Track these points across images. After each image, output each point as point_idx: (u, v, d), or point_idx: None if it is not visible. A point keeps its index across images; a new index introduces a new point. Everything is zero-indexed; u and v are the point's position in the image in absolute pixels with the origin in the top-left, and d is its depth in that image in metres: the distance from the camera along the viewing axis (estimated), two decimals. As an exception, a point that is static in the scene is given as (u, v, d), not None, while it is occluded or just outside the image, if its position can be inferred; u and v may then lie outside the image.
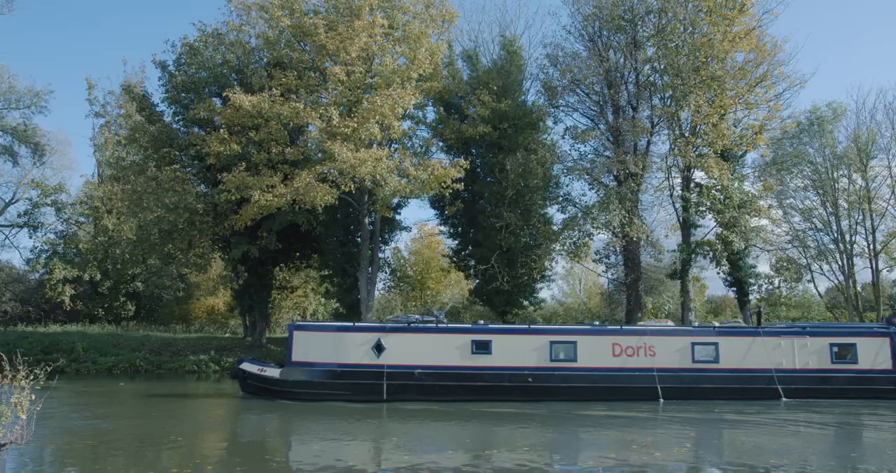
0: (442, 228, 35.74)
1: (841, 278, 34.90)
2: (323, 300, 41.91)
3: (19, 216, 43.96)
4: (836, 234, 34.18)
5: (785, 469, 10.22)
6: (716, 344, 18.68)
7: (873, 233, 33.90)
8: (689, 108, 27.58)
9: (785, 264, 34.78)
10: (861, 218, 34.00)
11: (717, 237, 29.23)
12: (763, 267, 45.24)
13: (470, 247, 33.14)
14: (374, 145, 26.64)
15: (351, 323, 20.41)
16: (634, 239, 29.39)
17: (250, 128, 26.77)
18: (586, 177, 30.32)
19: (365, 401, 17.61)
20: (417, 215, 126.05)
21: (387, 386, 17.95)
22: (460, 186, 27.04)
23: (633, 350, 18.52)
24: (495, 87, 30.14)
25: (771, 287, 36.79)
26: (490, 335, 18.73)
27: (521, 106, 31.64)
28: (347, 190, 25.73)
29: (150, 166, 31.38)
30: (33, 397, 9.96)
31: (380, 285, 37.50)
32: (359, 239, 30.56)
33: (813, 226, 35.20)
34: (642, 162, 28.76)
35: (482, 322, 21.51)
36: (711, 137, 27.27)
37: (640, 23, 29.53)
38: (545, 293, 41.97)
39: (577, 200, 31.54)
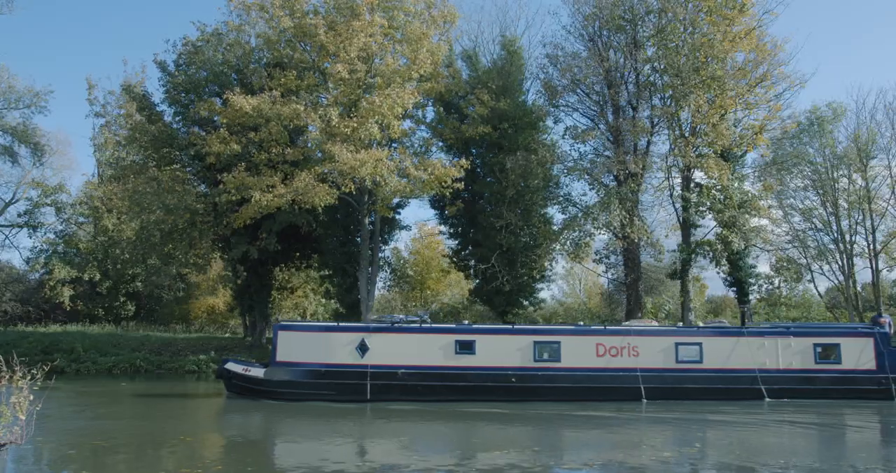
0: (442, 228, 35.78)
1: (841, 278, 34.89)
2: (323, 300, 41.92)
3: (19, 216, 43.98)
4: (836, 234, 34.16)
5: (767, 468, 10.22)
6: (699, 344, 18.64)
7: (873, 233, 33.88)
8: (689, 108, 27.57)
9: (785, 264, 34.75)
10: (861, 218, 33.98)
11: (717, 237, 29.21)
12: (763, 267, 45.22)
13: (470, 247, 33.14)
14: (374, 145, 26.65)
15: (335, 323, 20.39)
16: (635, 239, 29.39)
17: (250, 128, 26.78)
18: (586, 177, 30.31)
19: (348, 401, 17.62)
20: (417, 215, 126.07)
21: (370, 386, 17.95)
22: (460, 186, 27.04)
23: (617, 350, 18.50)
24: (494, 87, 30.14)
25: (771, 287, 36.77)
26: (474, 335, 18.74)
27: (521, 106, 31.64)
28: (348, 190, 25.75)
29: (150, 166, 31.41)
30: (31, 397, 9.96)
31: (380, 284, 37.52)
32: (359, 239, 30.56)
33: (813, 226, 35.18)
34: (642, 162, 28.75)
35: (466, 322, 21.49)
36: (711, 137, 27.25)
37: (640, 23, 29.52)
38: (545, 293, 41.98)
39: (578, 200, 31.57)
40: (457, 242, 34.56)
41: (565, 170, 31.48)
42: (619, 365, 18.33)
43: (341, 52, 25.72)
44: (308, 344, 18.78)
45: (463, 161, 27.63)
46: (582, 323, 23.08)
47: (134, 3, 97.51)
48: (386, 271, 37.84)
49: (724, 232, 28.64)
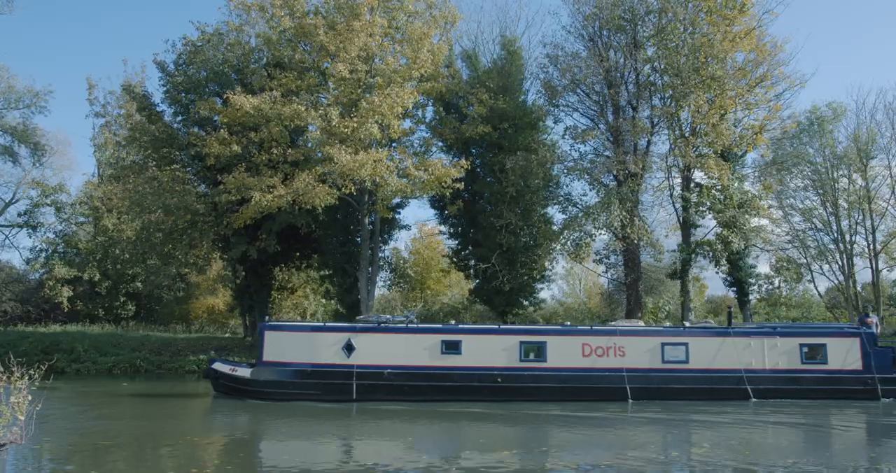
0: (442, 228, 35.79)
1: (841, 278, 34.88)
2: (323, 300, 41.93)
3: (19, 216, 44.01)
4: (836, 234, 34.16)
5: (751, 468, 10.23)
6: (685, 344, 18.58)
7: (873, 233, 33.89)
8: (689, 108, 27.57)
9: (785, 264, 34.76)
10: (861, 218, 33.99)
11: (717, 237, 29.21)
12: (763, 268, 45.27)
13: (470, 247, 33.14)
14: (374, 145, 26.65)
15: (322, 323, 20.33)
16: (635, 240, 29.39)
17: (250, 128, 26.78)
18: (586, 177, 30.31)
19: (334, 401, 17.59)
20: (417, 215, 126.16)
21: (356, 386, 17.91)
22: (460, 186, 27.05)
23: (603, 350, 18.45)
24: (494, 87, 30.14)
25: (771, 287, 36.79)
26: (460, 335, 18.69)
27: (521, 106, 31.63)
28: (348, 192, 25.76)
29: (151, 166, 31.42)
30: (30, 397, 9.96)
31: (380, 284, 37.54)
32: (359, 239, 30.56)
33: (813, 226, 35.18)
34: (642, 162, 28.74)
35: (453, 322, 21.47)
36: (711, 137, 27.25)
37: (640, 23, 29.51)
38: (545, 293, 42.01)
39: (578, 200, 31.56)
40: (457, 242, 34.57)
41: (565, 170, 31.50)
42: (605, 366, 18.28)
43: (341, 52, 25.72)
44: (295, 344, 18.74)
45: (463, 161, 27.63)
46: (568, 323, 23.17)
47: (134, 3, 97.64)
48: (386, 270, 37.87)
49: (724, 232, 28.63)
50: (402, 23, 28.47)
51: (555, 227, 31.14)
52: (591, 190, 31.15)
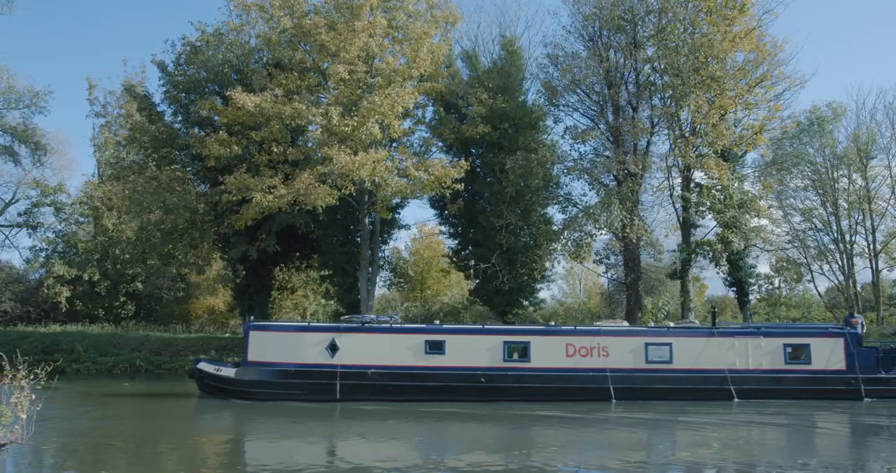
0: (442, 228, 35.80)
1: (841, 278, 34.93)
2: (323, 300, 41.92)
3: (19, 216, 44.00)
4: (836, 234, 34.21)
5: (733, 468, 10.24)
6: (669, 344, 18.55)
7: (873, 233, 33.95)
8: (689, 108, 27.58)
9: (785, 264, 34.81)
10: (861, 218, 34.05)
11: (717, 237, 29.23)
12: (763, 268, 45.26)
13: (470, 247, 33.14)
14: (375, 145, 26.65)
15: (306, 323, 20.36)
16: (634, 239, 29.40)
17: (251, 127, 26.77)
18: (586, 177, 30.32)
19: (318, 401, 17.55)
20: (417, 215, 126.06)
21: (340, 386, 17.87)
22: (460, 186, 27.05)
23: (587, 350, 18.41)
24: (494, 87, 30.15)
25: (771, 287, 36.85)
26: (444, 335, 18.67)
27: (521, 106, 31.64)
28: (348, 192, 25.75)
29: (151, 166, 31.40)
30: (33, 397, 9.95)
31: (380, 284, 37.54)
32: (359, 239, 30.56)
33: (813, 226, 35.23)
34: (642, 162, 28.74)
35: (437, 322, 21.57)
36: (711, 137, 27.26)
37: (640, 23, 29.53)
38: (545, 293, 42.00)
39: (578, 200, 31.58)
40: (457, 242, 34.57)
41: (565, 170, 31.50)
42: (589, 366, 18.24)
43: (342, 52, 25.72)
44: (279, 344, 18.72)
45: (463, 161, 27.61)
46: (552, 323, 23.08)
47: (134, 3, 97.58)
48: (386, 270, 37.91)
49: (724, 232, 28.66)
50: (402, 22, 28.47)
51: (555, 227, 31.15)
52: (591, 190, 31.19)
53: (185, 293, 46.05)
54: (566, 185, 32.32)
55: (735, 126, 29.26)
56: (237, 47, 30.79)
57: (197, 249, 32.59)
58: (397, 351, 18.27)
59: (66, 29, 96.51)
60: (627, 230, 27.98)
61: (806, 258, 35.33)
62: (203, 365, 19.30)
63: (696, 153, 28.10)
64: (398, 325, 19.22)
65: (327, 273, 34.08)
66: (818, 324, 25.75)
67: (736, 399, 17.84)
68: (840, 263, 34.44)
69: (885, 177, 34.08)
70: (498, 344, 18.44)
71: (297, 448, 12.02)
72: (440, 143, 31.63)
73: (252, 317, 25.66)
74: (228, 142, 26.58)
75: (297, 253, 34.56)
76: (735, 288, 33.03)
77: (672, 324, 21.19)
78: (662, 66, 28.25)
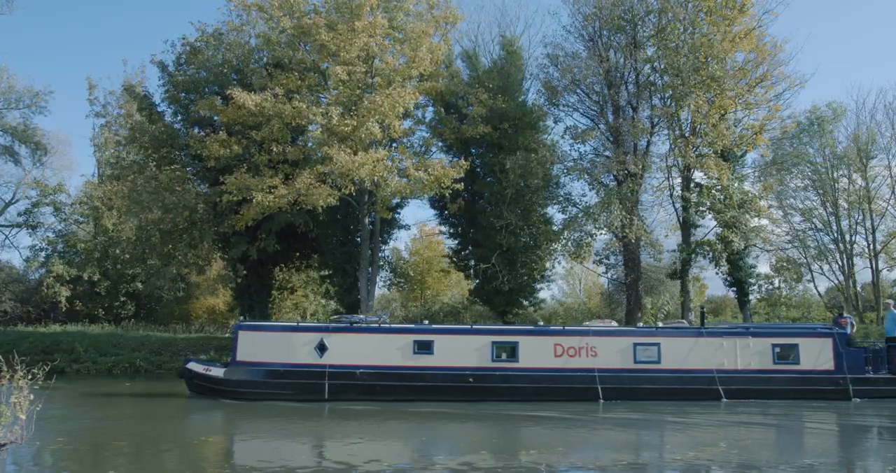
0: (442, 228, 35.80)
1: (841, 278, 34.95)
2: (323, 301, 41.93)
3: (19, 216, 44.01)
4: (836, 234, 34.23)
5: (721, 468, 10.24)
6: (657, 344, 18.51)
7: (873, 233, 33.98)
8: (689, 108, 27.57)
9: (785, 264, 34.81)
10: (861, 218, 34.07)
11: (717, 237, 29.23)
12: (763, 268, 45.26)
13: (470, 247, 33.15)
14: (374, 145, 26.65)
15: (295, 323, 20.43)
16: (634, 239, 29.40)
17: (251, 127, 26.77)
18: (586, 177, 30.34)
19: (306, 401, 17.52)
20: (417, 215, 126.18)
21: (328, 386, 17.82)
22: (460, 186, 27.05)
23: (575, 350, 18.35)
24: (494, 87, 30.15)
25: (771, 287, 36.86)
26: (432, 335, 18.65)
27: (521, 106, 31.65)
28: (348, 192, 25.74)
29: (150, 166, 31.40)
30: (32, 397, 9.94)
31: (380, 284, 37.55)
32: (359, 239, 30.56)
33: (813, 226, 35.26)
34: (642, 162, 28.75)
35: (426, 322, 21.49)
36: (711, 137, 27.26)
37: (640, 23, 29.53)
38: (545, 293, 42.02)
39: (578, 200, 31.59)
40: (457, 242, 34.58)
41: (565, 170, 31.50)
42: (577, 366, 18.20)
43: (342, 52, 25.72)
44: (268, 344, 18.71)
45: (463, 161, 27.60)
46: (541, 323, 23.01)
47: (134, 3, 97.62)
48: (386, 270, 37.94)
49: (724, 232, 28.65)
50: (402, 22, 28.47)
51: (555, 227, 31.16)
52: (590, 190, 31.20)
53: (185, 293, 46.05)
54: (566, 185, 32.38)
55: (735, 126, 29.26)
56: (237, 47, 30.78)
57: (197, 249, 32.60)
58: (386, 351, 18.24)
59: (66, 29, 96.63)
60: (627, 230, 27.98)
61: (806, 258, 35.36)
62: (192, 365, 19.24)
63: (696, 153, 28.09)
64: (387, 325, 19.19)
65: (327, 273, 34.09)
66: (806, 324, 25.75)
67: (724, 400, 17.80)
68: (840, 263, 34.48)
69: (885, 177, 34.13)
70: (486, 344, 18.41)
71: (286, 447, 11.96)
72: (440, 143, 31.63)
73: (242, 318, 25.63)
74: (228, 141, 26.57)
75: (297, 253, 34.56)
76: (735, 289, 33.02)
77: (661, 324, 21.14)
78: (662, 66, 28.26)
